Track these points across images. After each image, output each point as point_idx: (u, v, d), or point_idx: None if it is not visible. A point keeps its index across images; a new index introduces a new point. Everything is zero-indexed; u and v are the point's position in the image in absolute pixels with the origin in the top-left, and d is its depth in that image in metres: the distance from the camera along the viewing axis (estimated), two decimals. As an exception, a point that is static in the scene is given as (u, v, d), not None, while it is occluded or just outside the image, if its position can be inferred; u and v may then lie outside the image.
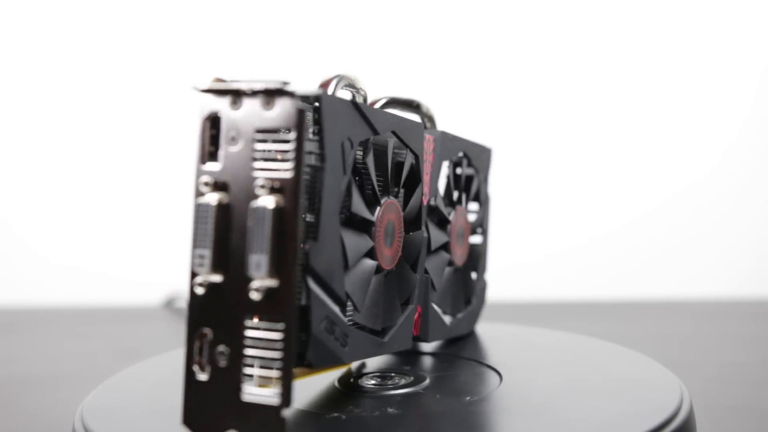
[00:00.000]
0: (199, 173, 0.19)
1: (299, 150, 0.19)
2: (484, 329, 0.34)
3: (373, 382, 0.26)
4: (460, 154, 0.30)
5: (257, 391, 0.19)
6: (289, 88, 0.19)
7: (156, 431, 0.23)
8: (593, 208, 0.65)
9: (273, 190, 0.19)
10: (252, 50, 0.68)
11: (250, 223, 0.19)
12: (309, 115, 0.20)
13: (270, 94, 0.19)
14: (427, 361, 0.29)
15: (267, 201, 0.19)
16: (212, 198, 0.19)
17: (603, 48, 0.65)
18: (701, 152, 0.64)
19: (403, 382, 0.26)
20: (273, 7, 0.67)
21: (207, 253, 0.19)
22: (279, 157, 0.19)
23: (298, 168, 0.19)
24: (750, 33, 0.64)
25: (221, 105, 0.19)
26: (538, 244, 0.65)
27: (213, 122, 0.20)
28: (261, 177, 0.19)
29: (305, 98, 0.20)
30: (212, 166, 0.19)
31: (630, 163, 0.65)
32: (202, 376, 0.19)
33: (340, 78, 0.23)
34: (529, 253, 0.64)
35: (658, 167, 0.65)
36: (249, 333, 0.19)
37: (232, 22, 0.68)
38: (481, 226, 0.33)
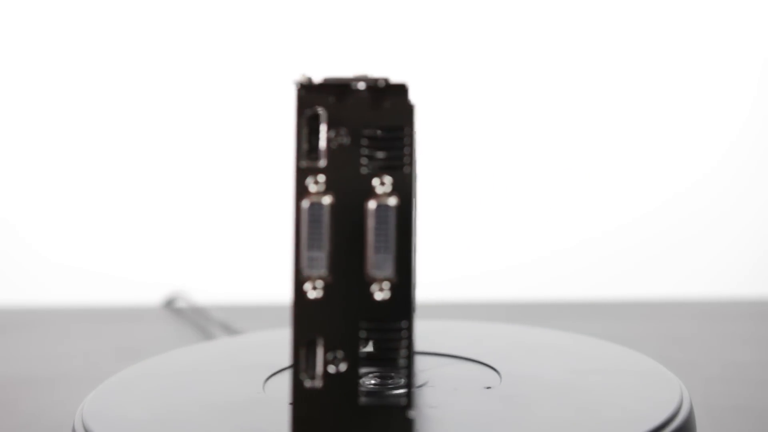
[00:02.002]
0: (304, 172, 0.19)
1: (412, 146, 0.19)
2: (483, 329, 0.34)
3: (373, 381, 0.26)
4: None
5: (379, 393, 0.18)
6: (401, 83, 0.19)
7: (156, 431, 0.23)
8: (593, 207, 0.65)
9: (389, 188, 0.18)
10: (252, 50, 0.68)
11: (371, 223, 0.18)
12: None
13: (381, 90, 0.19)
14: (427, 361, 0.29)
15: (388, 199, 0.18)
16: (325, 198, 0.19)
17: (603, 47, 0.65)
18: (702, 152, 0.64)
19: (403, 381, 0.26)
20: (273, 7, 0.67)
21: (321, 255, 0.18)
22: (390, 154, 0.19)
23: (411, 165, 0.18)
24: (750, 33, 0.64)
25: (325, 101, 0.19)
26: (537, 244, 0.65)
27: (314, 119, 0.19)
28: (375, 175, 0.19)
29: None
30: (315, 164, 0.19)
31: (630, 162, 0.65)
32: (313, 384, 0.18)
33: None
34: (529, 253, 0.64)
35: (658, 166, 0.65)
36: (366, 334, 0.18)
37: (230, 19, 0.68)
38: None
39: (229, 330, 0.47)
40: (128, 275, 0.68)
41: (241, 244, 0.67)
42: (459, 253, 0.65)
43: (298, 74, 0.19)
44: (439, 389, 0.25)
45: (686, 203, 0.64)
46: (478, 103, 0.64)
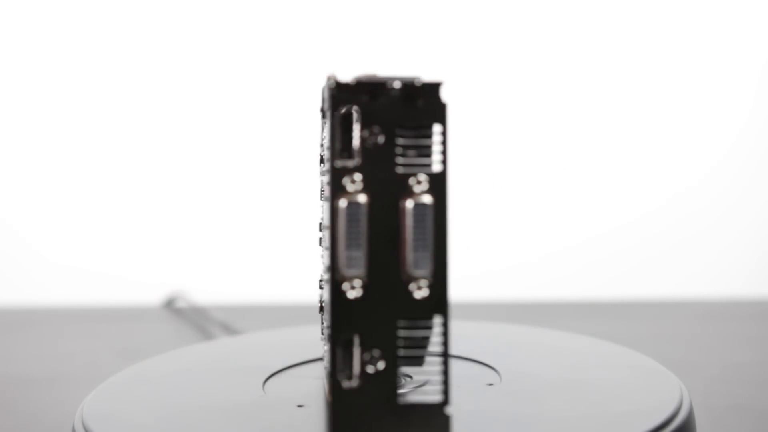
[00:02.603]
0: (339, 171, 0.19)
1: (445, 144, 0.19)
2: (483, 329, 0.34)
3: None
4: None
5: (416, 391, 0.18)
6: (435, 82, 0.19)
7: (156, 431, 0.23)
8: (593, 207, 0.65)
9: (425, 186, 0.18)
10: (251, 50, 0.68)
11: (409, 221, 0.18)
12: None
13: (414, 89, 0.19)
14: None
15: (425, 198, 0.18)
16: (361, 197, 0.18)
17: (604, 47, 0.65)
18: (702, 152, 0.64)
19: (403, 382, 0.26)
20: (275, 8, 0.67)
21: (360, 254, 0.18)
22: (424, 152, 0.19)
23: (445, 162, 0.19)
24: (750, 34, 0.64)
25: (359, 100, 0.19)
26: (537, 244, 0.65)
27: (347, 118, 0.19)
28: (410, 173, 0.18)
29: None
30: (350, 163, 0.19)
31: (630, 162, 0.65)
32: (351, 384, 0.18)
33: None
34: (528, 253, 0.64)
35: (658, 167, 0.65)
36: (404, 333, 0.18)
37: (231, 21, 0.68)
38: None
39: (229, 330, 0.47)
40: (128, 275, 0.68)
41: (241, 244, 0.67)
42: (459, 253, 0.65)
43: (329, 73, 0.19)
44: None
45: (686, 203, 0.64)
46: (478, 105, 0.64)
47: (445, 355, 0.18)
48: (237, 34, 0.68)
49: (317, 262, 0.27)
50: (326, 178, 0.20)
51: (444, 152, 0.19)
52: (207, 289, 0.63)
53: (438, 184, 0.19)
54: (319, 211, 0.27)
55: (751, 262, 0.64)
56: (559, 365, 0.28)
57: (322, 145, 0.27)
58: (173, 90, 0.69)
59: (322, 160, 0.25)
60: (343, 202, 0.18)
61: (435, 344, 0.18)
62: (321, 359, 0.27)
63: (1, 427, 0.30)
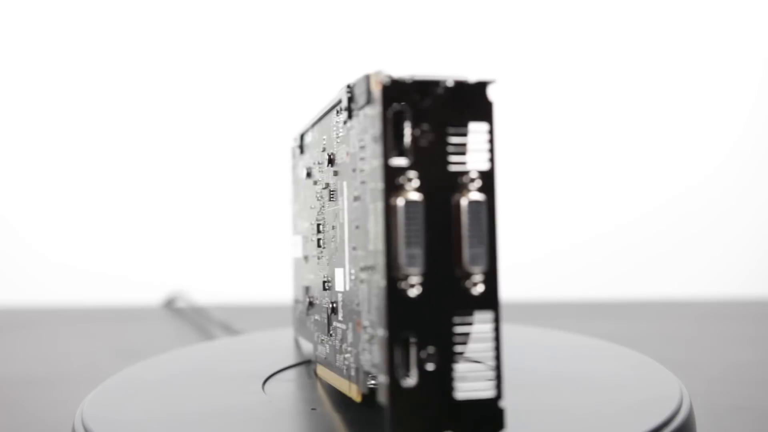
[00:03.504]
0: (393, 170, 0.19)
1: (492, 142, 0.19)
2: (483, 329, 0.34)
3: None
4: None
5: (471, 387, 0.18)
6: (482, 81, 0.19)
7: (156, 431, 0.23)
8: (593, 207, 0.65)
9: (478, 184, 0.19)
10: (249, 50, 0.68)
11: (465, 218, 0.19)
12: None
13: (466, 87, 0.19)
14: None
15: (478, 195, 0.19)
16: (417, 195, 0.18)
17: (604, 47, 0.65)
18: (703, 152, 0.64)
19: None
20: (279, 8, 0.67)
21: (419, 252, 0.18)
22: (474, 149, 0.19)
23: (492, 160, 0.19)
24: (751, 35, 0.64)
25: (410, 99, 0.19)
26: (537, 244, 0.65)
27: (399, 117, 0.19)
28: (461, 171, 0.19)
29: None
30: (402, 162, 0.19)
31: (631, 162, 0.65)
32: (409, 383, 0.18)
33: None
34: (528, 253, 0.64)
35: (659, 167, 0.65)
36: (459, 329, 0.19)
37: (233, 22, 0.68)
38: None
39: (229, 330, 0.47)
40: (128, 275, 0.68)
41: (241, 245, 0.67)
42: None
43: (375, 70, 0.19)
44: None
45: (686, 203, 0.64)
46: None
47: (497, 351, 0.19)
48: (236, 35, 0.68)
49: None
50: (368, 177, 0.20)
51: (491, 150, 0.19)
52: (207, 289, 0.63)
53: (487, 181, 0.19)
54: (317, 212, 0.27)
55: (751, 262, 0.64)
56: (558, 365, 0.28)
57: (322, 148, 0.26)
58: (175, 92, 0.69)
59: (330, 161, 0.25)
60: (401, 201, 0.18)
61: (488, 340, 0.19)
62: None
63: (1, 427, 0.30)
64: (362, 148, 0.21)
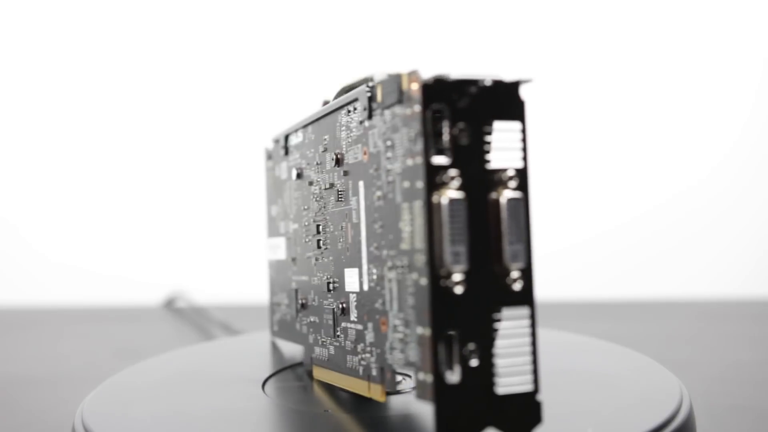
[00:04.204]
0: (435, 168, 0.19)
1: (525, 140, 0.19)
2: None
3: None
4: None
5: (510, 381, 0.19)
6: (514, 81, 0.19)
7: (156, 431, 0.23)
8: (593, 207, 0.65)
9: (516, 182, 0.19)
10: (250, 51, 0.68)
11: (505, 215, 0.19)
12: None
13: (499, 86, 0.19)
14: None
15: (516, 192, 0.19)
16: (460, 193, 0.19)
17: (604, 48, 0.65)
18: (702, 152, 0.64)
19: (405, 382, 0.26)
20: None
21: (463, 249, 0.19)
22: (510, 147, 0.19)
23: (526, 158, 0.19)
24: (751, 35, 0.64)
25: (448, 98, 0.19)
26: (537, 244, 0.65)
27: (438, 116, 0.19)
28: (497, 168, 0.19)
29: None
30: (443, 160, 0.19)
31: (631, 162, 0.65)
32: (453, 379, 0.18)
33: None
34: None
35: (658, 167, 0.65)
36: (498, 325, 0.19)
37: (234, 23, 0.68)
38: None
39: (229, 330, 0.47)
40: (128, 275, 0.68)
41: (241, 245, 0.67)
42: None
43: (409, 70, 0.19)
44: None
45: (686, 203, 0.64)
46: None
47: (534, 344, 0.19)
48: (235, 35, 0.68)
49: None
50: (399, 176, 0.20)
51: (524, 148, 0.19)
52: (207, 289, 0.63)
53: (522, 179, 0.19)
54: (314, 213, 0.27)
55: (750, 262, 0.64)
56: (558, 365, 0.28)
57: (323, 148, 0.26)
58: (176, 93, 0.69)
59: (338, 162, 0.25)
60: (444, 199, 0.19)
61: (524, 335, 0.19)
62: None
63: (1, 427, 0.30)
64: (389, 147, 0.21)
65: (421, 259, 0.19)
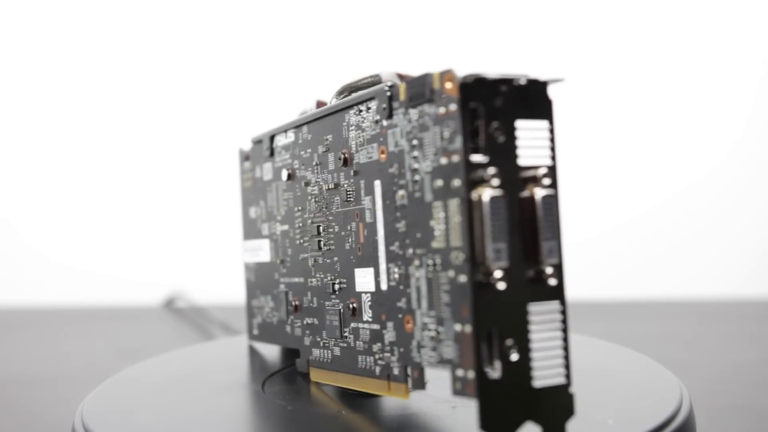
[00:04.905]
0: (474, 166, 0.19)
1: (553, 139, 0.20)
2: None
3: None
4: None
5: (545, 374, 0.19)
6: (543, 80, 0.20)
7: (155, 431, 0.23)
8: (593, 207, 0.65)
9: (549, 179, 0.20)
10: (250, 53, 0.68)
11: (540, 212, 0.19)
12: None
13: (531, 86, 0.20)
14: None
15: (550, 190, 0.20)
16: (499, 190, 0.19)
17: (604, 48, 0.65)
18: (702, 152, 0.64)
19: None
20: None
21: (505, 246, 0.19)
22: (536, 146, 0.20)
23: (554, 156, 0.20)
24: (751, 35, 0.64)
25: (484, 97, 0.19)
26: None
27: (474, 114, 0.19)
28: (530, 165, 0.19)
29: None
30: (481, 158, 0.19)
31: (630, 162, 0.65)
32: (495, 375, 0.19)
33: None
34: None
35: (658, 166, 0.65)
36: (533, 318, 0.19)
37: (234, 23, 0.68)
38: None
39: (229, 330, 0.47)
40: (128, 275, 0.68)
41: (241, 244, 0.67)
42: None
43: (448, 70, 0.20)
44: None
45: (686, 203, 0.64)
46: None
47: (566, 338, 0.19)
48: (235, 36, 0.68)
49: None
50: (428, 175, 0.20)
51: (553, 147, 0.20)
52: (207, 289, 0.63)
53: (553, 175, 0.20)
54: (312, 215, 0.27)
55: (751, 262, 0.64)
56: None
57: (324, 148, 0.26)
58: (175, 95, 0.69)
59: (346, 163, 0.24)
60: (486, 196, 0.19)
61: (557, 329, 0.19)
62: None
63: (1, 427, 0.30)
64: (415, 146, 0.21)
65: (459, 256, 0.19)
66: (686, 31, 0.64)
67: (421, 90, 0.20)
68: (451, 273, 0.19)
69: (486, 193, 0.19)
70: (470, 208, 0.19)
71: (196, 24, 0.68)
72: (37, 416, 0.32)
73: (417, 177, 0.21)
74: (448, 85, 0.19)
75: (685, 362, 0.37)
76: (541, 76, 0.20)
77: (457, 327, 0.19)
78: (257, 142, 0.32)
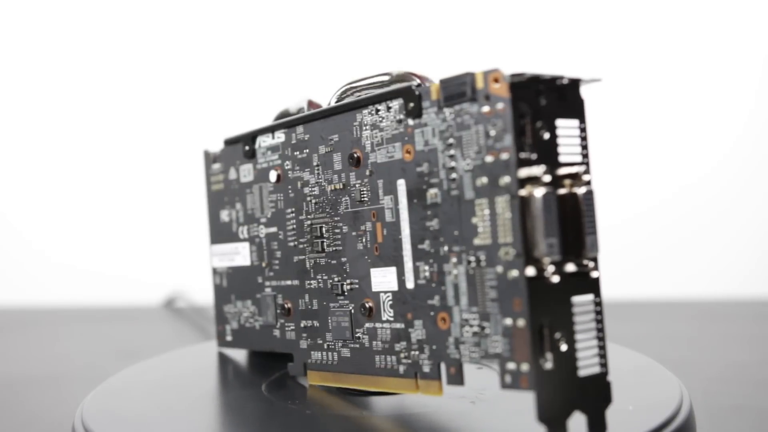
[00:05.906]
0: (524, 163, 0.20)
1: (586, 138, 0.21)
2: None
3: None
4: None
5: (588, 363, 0.20)
6: (576, 79, 0.20)
7: (155, 431, 0.23)
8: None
9: (588, 176, 0.20)
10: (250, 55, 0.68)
11: (583, 207, 0.20)
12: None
13: (570, 85, 0.20)
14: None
15: (590, 186, 0.21)
16: (549, 187, 0.20)
17: (604, 47, 0.65)
18: (702, 152, 0.64)
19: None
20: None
21: (556, 240, 0.19)
22: (580, 143, 0.20)
23: (587, 154, 0.21)
24: (751, 34, 0.64)
25: (528, 96, 0.20)
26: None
27: (521, 113, 0.20)
28: (571, 162, 0.20)
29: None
30: (530, 156, 0.20)
31: (630, 161, 0.65)
32: (548, 366, 0.19)
33: None
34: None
35: (657, 166, 0.65)
36: (576, 309, 0.20)
37: (235, 22, 0.68)
38: None
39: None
40: (128, 275, 0.68)
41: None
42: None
43: (494, 69, 0.20)
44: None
45: (685, 203, 0.64)
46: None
47: (602, 330, 0.20)
48: (234, 36, 0.68)
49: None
50: (468, 174, 0.21)
51: (585, 146, 0.21)
52: (207, 289, 0.63)
53: (585, 173, 0.21)
54: (311, 216, 0.26)
55: (750, 262, 0.64)
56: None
57: (328, 149, 0.26)
58: (176, 94, 0.69)
59: (357, 162, 0.24)
60: (538, 192, 0.19)
61: (597, 320, 0.20)
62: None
63: (1, 427, 0.30)
64: (450, 145, 0.21)
65: (510, 252, 0.20)
66: (686, 30, 0.64)
67: (460, 89, 0.21)
68: (499, 269, 0.20)
69: (538, 190, 0.19)
70: (523, 205, 0.19)
71: (197, 24, 0.68)
72: (37, 416, 0.32)
73: (454, 175, 0.21)
74: (496, 85, 0.20)
75: (685, 362, 0.37)
76: (579, 76, 0.20)
77: (507, 321, 0.20)
78: (231, 143, 0.32)
